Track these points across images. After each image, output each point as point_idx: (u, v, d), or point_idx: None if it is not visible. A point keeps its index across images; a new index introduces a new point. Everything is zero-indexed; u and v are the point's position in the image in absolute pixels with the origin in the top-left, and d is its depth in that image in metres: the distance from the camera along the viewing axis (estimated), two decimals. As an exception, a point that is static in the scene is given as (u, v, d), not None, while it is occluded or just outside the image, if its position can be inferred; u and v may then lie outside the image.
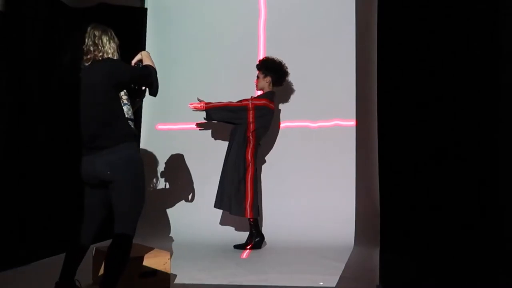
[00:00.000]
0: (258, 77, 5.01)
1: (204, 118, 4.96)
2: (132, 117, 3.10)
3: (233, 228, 5.24)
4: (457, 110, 4.38)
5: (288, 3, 5.54)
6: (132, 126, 3.06)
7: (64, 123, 4.55)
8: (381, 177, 4.76)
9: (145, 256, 3.36)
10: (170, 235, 5.25)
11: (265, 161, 5.41)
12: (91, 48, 2.96)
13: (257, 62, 5.05)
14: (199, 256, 4.48)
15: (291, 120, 5.43)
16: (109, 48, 3.00)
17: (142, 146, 5.43)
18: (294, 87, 5.40)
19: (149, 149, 5.52)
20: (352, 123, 5.28)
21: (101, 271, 3.04)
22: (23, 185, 4.25)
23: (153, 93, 3.15)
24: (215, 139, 5.50)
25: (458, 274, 3.69)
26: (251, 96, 4.96)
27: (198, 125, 5.42)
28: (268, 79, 4.97)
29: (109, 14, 5.01)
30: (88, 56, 2.97)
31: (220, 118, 4.95)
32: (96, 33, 2.99)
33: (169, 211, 5.36)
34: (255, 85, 5.06)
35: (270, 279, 3.79)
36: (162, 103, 5.21)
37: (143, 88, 3.26)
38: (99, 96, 2.89)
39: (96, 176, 2.91)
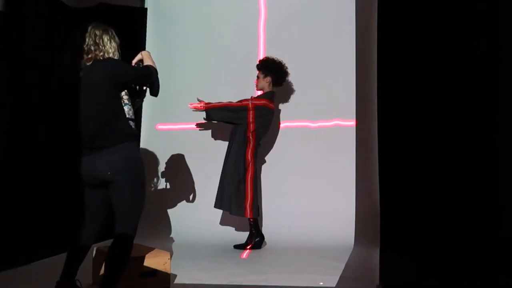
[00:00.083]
0: (258, 77, 5.01)
1: (204, 118, 4.95)
2: (133, 117, 3.09)
3: (233, 228, 5.24)
4: (457, 110, 4.39)
5: (288, 3, 5.54)
6: (133, 126, 3.05)
7: (64, 123, 4.55)
8: (381, 177, 4.77)
9: (145, 256, 3.36)
10: (171, 235, 5.25)
11: (265, 161, 5.41)
12: (92, 48, 2.95)
13: (257, 62, 5.05)
14: (199, 256, 4.48)
15: (291, 120, 5.42)
16: (110, 48, 2.99)
17: (142, 146, 5.43)
18: (294, 87, 5.40)
19: (149, 149, 5.52)
20: (352, 123, 5.27)
21: (102, 271, 3.03)
22: (23, 185, 4.25)
23: (154, 93, 3.15)
24: (215, 139, 5.49)
25: (458, 274, 3.69)
26: (251, 96, 4.95)
27: (198, 125, 5.41)
28: (268, 79, 4.97)
29: (109, 14, 5.01)
30: (89, 56, 2.96)
31: (220, 118, 4.94)
32: (97, 32, 2.98)
33: (169, 211, 5.36)
34: (255, 85, 5.06)
35: (270, 279, 3.78)
36: (162, 103, 5.20)
37: (144, 88, 3.26)
38: (100, 96, 2.89)
39: (96, 176, 2.90)
